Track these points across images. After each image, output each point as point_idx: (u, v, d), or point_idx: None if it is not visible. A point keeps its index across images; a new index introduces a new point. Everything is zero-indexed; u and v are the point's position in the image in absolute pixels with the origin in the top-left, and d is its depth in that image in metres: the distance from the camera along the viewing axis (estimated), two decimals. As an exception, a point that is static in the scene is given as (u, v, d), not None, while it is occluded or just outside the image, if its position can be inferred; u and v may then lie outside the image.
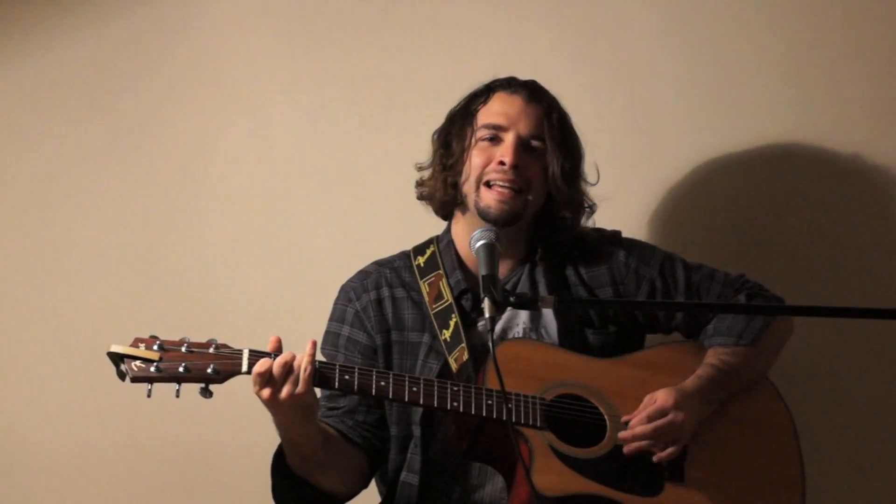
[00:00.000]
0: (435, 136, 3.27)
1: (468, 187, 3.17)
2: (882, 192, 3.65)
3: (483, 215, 3.13)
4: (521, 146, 3.14)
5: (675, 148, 3.70)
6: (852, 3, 3.67)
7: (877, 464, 3.62)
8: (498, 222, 3.12)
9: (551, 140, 3.16)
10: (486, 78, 3.25)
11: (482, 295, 2.75)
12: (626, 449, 2.99)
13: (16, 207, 3.84)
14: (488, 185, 3.14)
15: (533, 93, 3.19)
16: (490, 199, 3.13)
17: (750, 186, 3.70)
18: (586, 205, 3.26)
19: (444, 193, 3.21)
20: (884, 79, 3.65)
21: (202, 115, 3.82)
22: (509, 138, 3.14)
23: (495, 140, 3.16)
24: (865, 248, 3.66)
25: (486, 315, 2.73)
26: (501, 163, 3.13)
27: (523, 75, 3.26)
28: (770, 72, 3.68)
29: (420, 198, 3.28)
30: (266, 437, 3.06)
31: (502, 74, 3.26)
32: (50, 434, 3.79)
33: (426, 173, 3.27)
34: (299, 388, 2.87)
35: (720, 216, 3.70)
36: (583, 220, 3.27)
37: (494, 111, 3.17)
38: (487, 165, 3.15)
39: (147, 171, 3.83)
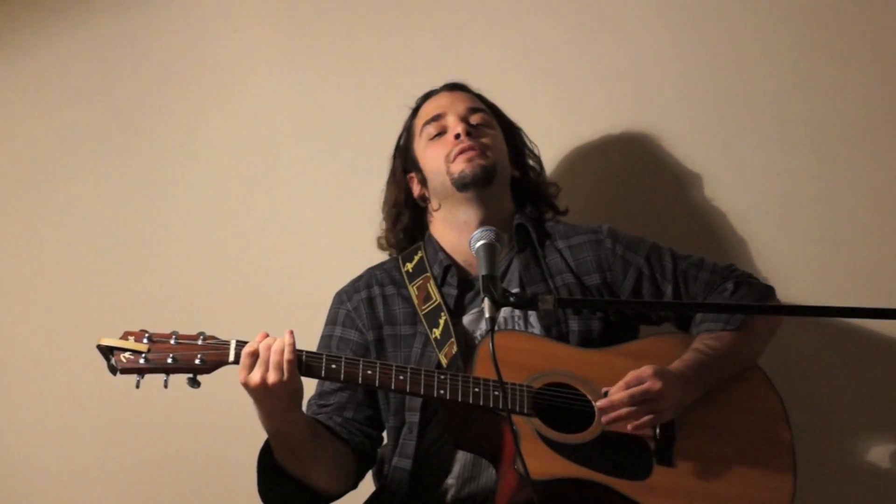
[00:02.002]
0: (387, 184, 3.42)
1: (439, 177, 3.27)
2: (883, 190, 3.65)
3: (461, 182, 3.23)
4: (465, 122, 3.28)
5: (678, 147, 3.71)
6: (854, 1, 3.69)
7: (875, 464, 3.57)
8: (477, 182, 3.22)
9: (487, 107, 3.33)
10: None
11: (482, 295, 2.75)
12: (604, 418, 2.98)
13: (9, 202, 3.89)
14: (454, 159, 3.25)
15: (452, 85, 3.37)
16: (461, 163, 3.25)
17: (750, 185, 3.70)
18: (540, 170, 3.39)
19: (408, 232, 3.34)
20: (887, 75, 3.65)
21: (196, 106, 3.85)
22: (451, 118, 3.30)
23: (441, 133, 3.29)
24: (865, 248, 3.64)
25: (486, 315, 2.73)
26: (456, 136, 3.26)
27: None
28: (773, 69, 3.69)
29: (382, 247, 3.41)
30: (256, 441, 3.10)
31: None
32: (44, 432, 3.83)
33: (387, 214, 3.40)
34: (286, 375, 2.90)
35: (721, 215, 3.69)
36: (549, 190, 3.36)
37: (427, 111, 3.34)
38: (448, 151, 3.26)
39: (141, 164, 3.86)
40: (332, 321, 3.30)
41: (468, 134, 3.26)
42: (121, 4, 3.88)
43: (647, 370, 3.00)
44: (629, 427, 2.98)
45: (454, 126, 3.28)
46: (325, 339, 3.29)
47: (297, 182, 3.81)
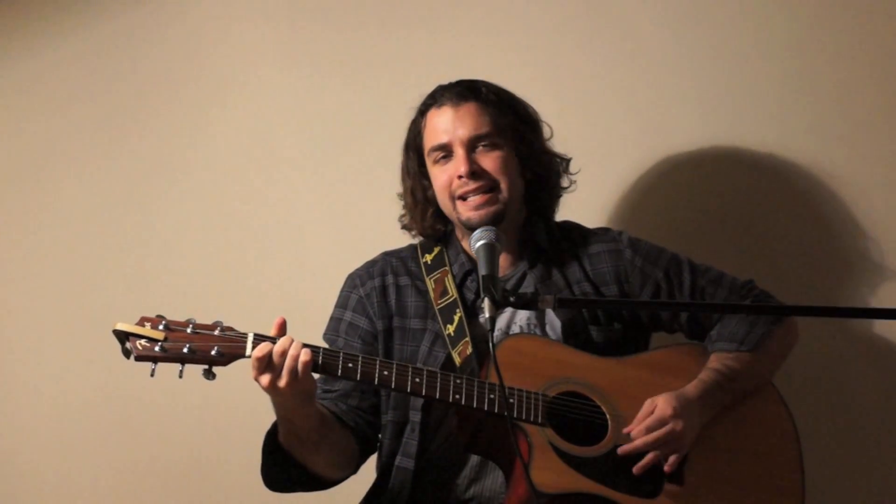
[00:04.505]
0: (402, 172, 3.33)
1: (446, 207, 3.22)
2: (884, 190, 3.64)
3: (468, 227, 3.15)
4: (470, 149, 3.17)
5: (680, 147, 3.69)
6: (856, 3, 3.66)
7: (877, 464, 3.61)
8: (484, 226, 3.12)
9: (497, 122, 3.19)
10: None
11: (482, 295, 2.76)
12: (635, 469, 2.99)
13: (10, 202, 3.87)
14: (461, 198, 3.17)
15: (458, 94, 3.22)
16: (467, 210, 3.17)
17: (752, 186, 3.69)
18: (562, 160, 3.29)
19: (424, 229, 3.28)
20: (888, 76, 3.64)
21: (198, 104, 3.83)
22: (457, 150, 3.18)
23: (447, 157, 3.19)
24: (866, 248, 3.63)
25: (486, 315, 2.73)
26: (460, 176, 3.16)
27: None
28: (774, 69, 3.67)
29: (405, 227, 3.34)
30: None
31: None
32: (52, 422, 3.82)
33: (406, 204, 3.33)
34: (298, 380, 2.88)
35: (723, 215, 3.69)
36: (563, 181, 3.30)
37: (432, 132, 3.21)
38: (451, 184, 3.18)
39: (149, 156, 3.85)
40: (342, 304, 3.28)
41: (472, 174, 3.14)
42: (122, 4, 3.83)
43: (667, 408, 3.00)
44: (666, 469, 3.01)
45: (459, 161, 3.16)
46: (335, 321, 3.27)
47: (299, 179, 3.80)
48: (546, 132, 3.30)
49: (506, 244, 3.05)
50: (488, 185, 3.16)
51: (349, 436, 3.15)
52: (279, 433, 3.04)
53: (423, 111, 3.25)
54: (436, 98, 3.23)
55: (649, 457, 2.99)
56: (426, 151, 3.23)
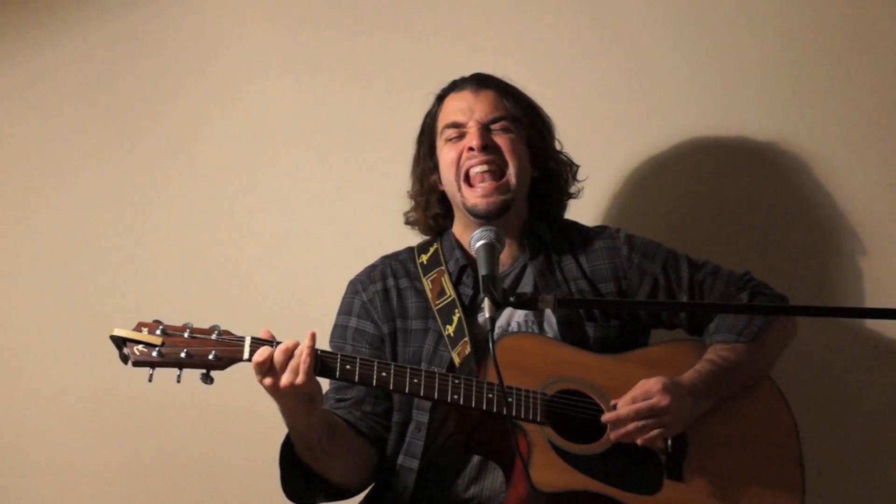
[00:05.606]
0: (413, 162, 3.35)
1: (451, 188, 3.23)
2: (883, 190, 3.64)
3: (472, 214, 3.18)
4: (485, 130, 3.21)
5: (679, 146, 3.70)
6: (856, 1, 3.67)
7: (877, 464, 3.60)
8: (489, 217, 3.17)
9: (513, 111, 3.24)
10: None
11: (482, 295, 2.76)
12: (612, 435, 2.98)
13: (9, 202, 3.87)
14: (468, 180, 3.19)
15: (480, 81, 3.27)
16: (474, 197, 3.19)
17: (751, 185, 3.69)
18: (571, 165, 3.32)
19: (427, 219, 3.30)
20: (887, 74, 3.64)
21: (199, 107, 3.84)
22: (471, 127, 3.21)
23: (460, 137, 3.22)
24: (866, 248, 3.63)
25: (487, 315, 2.73)
26: (471, 149, 3.19)
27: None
28: (773, 68, 3.68)
29: (408, 223, 3.36)
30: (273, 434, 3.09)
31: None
32: (51, 423, 3.82)
33: (413, 191, 3.35)
34: (299, 379, 2.88)
35: (721, 215, 3.69)
36: (570, 187, 3.32)
37: (449, 112, 3.26)
38: (460, 159, 3.20)
39: (149, 159, 3.86)
40: (346, 311, 3.28)
41: (484, 147, 3.18)
42: (124, 6, 3.85)
43: (656, 385, 3.00)
44: (639, 441, 2.98)
45: (472, 135, 3.20)
46: (340, 328, 3.27)
47: (299, 182, 3.81)
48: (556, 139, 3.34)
49: (506, 239, 3.05)
50: (497, 166, 3.19)
51: (365, 442, 3.15)
52: (294, 444, 3.04)
53: (441, 97, 3.30)
54: (455, 85, 3.29)
55: (632, 425, 2.96)
56: (439, 130, 3.26)
